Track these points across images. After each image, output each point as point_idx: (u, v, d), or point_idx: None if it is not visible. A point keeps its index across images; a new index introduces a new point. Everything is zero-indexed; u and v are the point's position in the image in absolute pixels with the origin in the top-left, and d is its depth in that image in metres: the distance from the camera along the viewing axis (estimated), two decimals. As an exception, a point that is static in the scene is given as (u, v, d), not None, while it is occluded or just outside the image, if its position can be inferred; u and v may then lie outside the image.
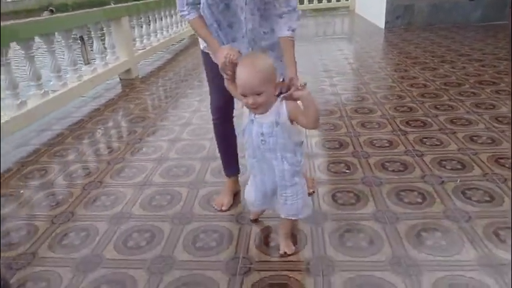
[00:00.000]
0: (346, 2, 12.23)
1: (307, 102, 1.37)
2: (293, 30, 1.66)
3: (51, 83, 3.66)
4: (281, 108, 1.41)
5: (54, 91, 3.61)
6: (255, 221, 1.88)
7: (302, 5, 12.33)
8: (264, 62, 1.39)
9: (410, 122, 2.95)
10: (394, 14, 7.49)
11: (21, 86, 3.23)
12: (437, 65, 4.59)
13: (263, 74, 1.35)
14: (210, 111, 1.97)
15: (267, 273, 1.56)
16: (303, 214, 1.61)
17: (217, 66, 1.54)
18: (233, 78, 1.47)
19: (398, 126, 2.90)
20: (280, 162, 1.49)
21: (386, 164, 2.35)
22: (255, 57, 1.45)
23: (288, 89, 1.40)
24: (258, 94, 1.36)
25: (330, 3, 12.44)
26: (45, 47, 3.60)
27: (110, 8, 4.88)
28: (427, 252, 1.60)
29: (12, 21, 3.24)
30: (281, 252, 1.65)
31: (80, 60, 4.22)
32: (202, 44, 1.82)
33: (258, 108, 1.40)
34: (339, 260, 1.60)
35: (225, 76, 1.52)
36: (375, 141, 2.67)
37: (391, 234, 1.73)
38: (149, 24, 6.06)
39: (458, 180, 2.12)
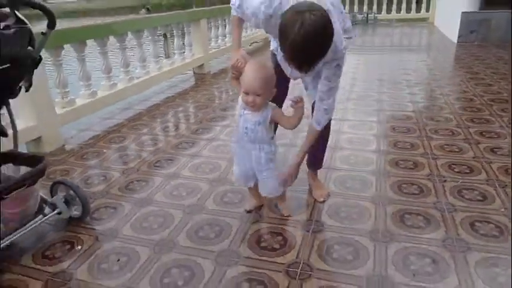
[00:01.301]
0: (427, 13, 11.98)
1: (297, 113, 1.74)
2: (318, 124, 1.90)
3: (137, 70, 4.43)
4: (266, 113, 1.76)
5: (138, 78, 4.37)
6: (250, 211, 2.12)
7: (382, 15, 12.33)
8: (268, 71, 1.70)
9: (439, 131, 3.17)
10: (468, 28, 7.35)
11: (114, 71, 4.01)
12: (494, 81, 4.60)
13: (265, 81, 1.66)
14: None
15: (269, 225, 2.01)
16: (278, 192, 1.96)
17: (280, 66, 1.93)
18: (237, 78, 1.82)
19: (426, 133, 3.14)
20: (258, 151, 1.84)
21: (400, 162, 2.65)
22: (262, 65, 1.73)
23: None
24: (258, 95, 1.66)
25: (410, 14, 12.27)
26: (135, 41, 4.38)
27: (193, 11, 5.62)
28: (403, 229, 1.93)
29: (112, 20, 4.04)
30: (282, 213, 2.08)
31: (161, 53, 4.97)
32: (272, 46, 2.10)
33: (254, 106, 1.71)
34: (329, 224, 2.00)
35: (231, 73, 1.88)
36: (398, 143, 2.96)
37: (379, 213, 2.07)
38: (224, 27, 6.75)
39: (460, 181, 2.37)
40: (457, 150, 2.80)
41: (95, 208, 2.22)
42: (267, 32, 1.89)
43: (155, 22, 4.67)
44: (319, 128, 1.92)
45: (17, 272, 1.74)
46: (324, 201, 2.19)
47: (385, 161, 2.67)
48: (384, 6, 12.33)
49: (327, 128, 2.06)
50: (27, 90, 1.83)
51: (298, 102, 1.72)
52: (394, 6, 12.30)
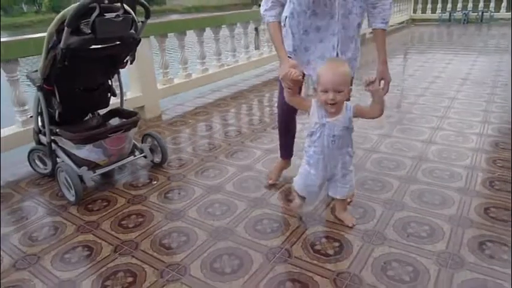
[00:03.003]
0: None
1: (377, 97, 1.69)
2: (386, 23, 1.88)
3: (228, 59, 5.09)
4: (349, 114, 1.72)
5: (228, 65, 5.02)
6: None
7: (501, 13, 11.28)
8: (346, 68, 1.68)
9: (502, 129, 3.15)
10: None
11: (207, 58, 4.70)
12: None
13: (345, 76, 1.64)
14: (277, 104, 2.33)
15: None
16: (354, 188, 2.00)
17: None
18: (294, 92, 1.75)
19: (487, 130, 3.15)
20: (345, 156, 1.83)
21: (444, 152, 2.78)
22: (340, 61, 1.74)
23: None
24: (338, 92, 1.62)
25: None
26: (228, 33, 5.02)
27: (286, 7, 6.07)
28: (417, 203, 2.14)
29: (198, 16, 4.74)
30: (350, 225, 1.95)
31: (251, 45, 5.55)
32: (287, 47, 1.98)
33: (334, 104, 1.65)
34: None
35: (285, 88, 1.76)
36: (451, 136, 3.05)
37: (401, 189, 2.30)
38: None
39: (497, 173, 2.44)
40: (509, 148, 2.81)
41: (172, 158, 2.87)
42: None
43: (247, 17, 5.26)
44: (385, 26, 1.89)
45: (111, 191, 2.45)
46: (351, 202, 2.17)
47: (428, 151, 2.82)
48: (504, 4, 11.23)
49: None
50: (131, 63, 2.53)
51: (371, 82, 1.63)
52: (517, 4, 11.14)
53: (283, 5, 1.93)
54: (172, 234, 1.98)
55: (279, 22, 1.94)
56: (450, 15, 11.92)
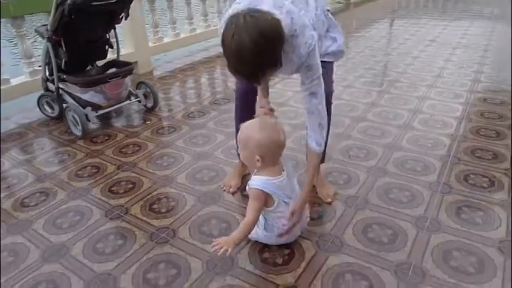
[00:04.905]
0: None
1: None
2: (320, 145, 1.60)
3: (215, 20, 5.43)
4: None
5: (215, 25, 5.36)
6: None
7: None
8: (257, 135, 1.43)
9: (485, 93, 3.64)
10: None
11: (178, 23, 4.99)
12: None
13: (248, 142, 1.45)
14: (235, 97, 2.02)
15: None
16: None
17: None
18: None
19: (470, 88, 3.63)
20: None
21: (394, 99, 3.27)
22: (262, 127, 1.47)
23: None
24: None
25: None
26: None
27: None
28: (363, 135, 2.66)
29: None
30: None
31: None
32: None
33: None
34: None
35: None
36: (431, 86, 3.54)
37: (351, 126, 2.81)
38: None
39: (434, 115, 2.95)
40: (449, 100, 3.31)
41: (162, 105, 3.34)
42: None
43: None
44: (320, 149, 1.61)
45: (111, 129, 2.93)
46: (331, 202, 1.98)
47: (381, 98, 3.31)
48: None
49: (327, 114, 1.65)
50: (125, 19, 2.93)
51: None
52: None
53: None
54: (164, 157, 2.48)
55: None
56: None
